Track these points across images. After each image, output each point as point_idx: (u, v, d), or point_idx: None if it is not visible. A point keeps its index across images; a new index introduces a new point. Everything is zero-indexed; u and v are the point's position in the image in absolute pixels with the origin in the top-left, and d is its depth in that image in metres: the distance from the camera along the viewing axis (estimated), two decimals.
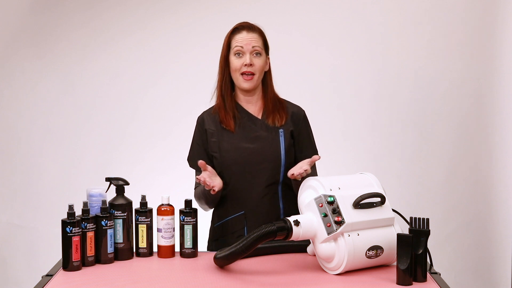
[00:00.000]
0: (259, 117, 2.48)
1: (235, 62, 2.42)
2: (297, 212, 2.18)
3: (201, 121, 2.51)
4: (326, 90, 3.70)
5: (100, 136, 3.79)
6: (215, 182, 2.32)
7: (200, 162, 2.31)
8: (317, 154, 2.54)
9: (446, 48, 3.62)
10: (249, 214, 2.43)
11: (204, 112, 2.53)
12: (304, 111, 2.54)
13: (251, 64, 2.40)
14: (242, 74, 2.41)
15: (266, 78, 2.50)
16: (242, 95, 2.49)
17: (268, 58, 2.50)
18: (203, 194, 2.43)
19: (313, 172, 2.52)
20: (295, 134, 2.49)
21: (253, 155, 2.42)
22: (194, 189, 2.53)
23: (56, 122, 3.80)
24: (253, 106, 2.49)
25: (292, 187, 2.44)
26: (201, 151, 2.49)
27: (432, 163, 3.69)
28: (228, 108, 2.46)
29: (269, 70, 2.51)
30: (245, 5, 3.69)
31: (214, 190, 2.30)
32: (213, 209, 2.55)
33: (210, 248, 2.55)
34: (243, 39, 2.42)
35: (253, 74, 2.41)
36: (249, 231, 2.41)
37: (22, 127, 3.81)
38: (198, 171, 2.47)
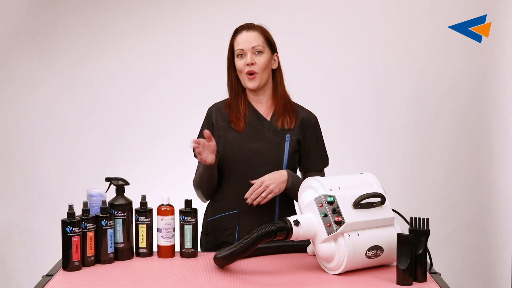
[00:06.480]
0: (268, 118, 2.48)
1: (238, 63, 2.44)
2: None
3: (210, 113, 2.52)
4: (326, 90, 3.70)
5: (100, 136, 3.79)
6: (208, 158, 2.33)
7: (206, 132, 2.31)
8: (327, 163, 2.55)
9: (446, 48, 3.62)
10: (243, 214, 2.43)
11: (214, 105, 2.54)
12: (315, 117, 2.53)
13: (252, 63, 2.40)
14: (246, 73, 2.42)
15: (276, 76, 2.50)
16: (251, 95, 2.49)
17: (277, 56, 2.49)
18: (200, 176, 2.44)
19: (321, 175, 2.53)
20: (301, 142, 2.48)
21: (256, 156, 2.42)
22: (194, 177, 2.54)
23: (56, 122, 3.80)
24: (263, 106, 2.50)
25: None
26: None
27: (432, 163, 3.68)
28: (238, 110, 2.46)
29: (279, 68, 2.51)
30: (245, 5, 3.69)
31: (205, 160, 2.32)
32: (208, 202, 2.56)
33: (201, 241, 2.55)
34: (243, 40, 2.43)
35: (255, 73, 2.41)
36: (241, 230, 2.42)
37: (22, 127, 3.80)
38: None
